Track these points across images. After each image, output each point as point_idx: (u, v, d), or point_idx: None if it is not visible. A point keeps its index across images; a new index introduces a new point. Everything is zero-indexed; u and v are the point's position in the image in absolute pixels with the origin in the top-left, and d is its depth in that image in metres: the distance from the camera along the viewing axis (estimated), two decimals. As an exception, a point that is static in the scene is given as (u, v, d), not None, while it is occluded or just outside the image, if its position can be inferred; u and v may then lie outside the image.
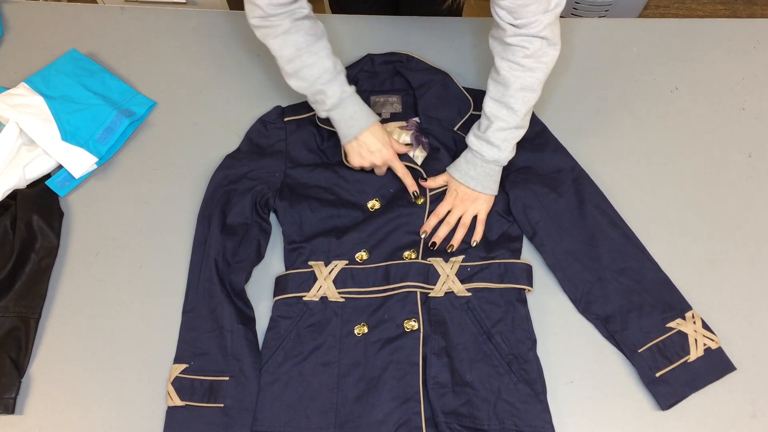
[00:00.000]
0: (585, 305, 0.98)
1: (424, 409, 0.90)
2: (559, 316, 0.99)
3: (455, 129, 1.10)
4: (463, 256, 0.99)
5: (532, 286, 0.99)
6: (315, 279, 0.99)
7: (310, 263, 1.01)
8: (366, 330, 0.96)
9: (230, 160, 1.11)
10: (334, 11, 1.48)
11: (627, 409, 0.92)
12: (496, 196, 1.04)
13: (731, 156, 1.13)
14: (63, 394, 0.95)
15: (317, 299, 0.98)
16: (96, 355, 0.98)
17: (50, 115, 1.13)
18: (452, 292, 0.97)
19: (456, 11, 1.29)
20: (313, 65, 0.98)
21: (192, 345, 0.96)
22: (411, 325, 0.95)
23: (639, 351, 0.94)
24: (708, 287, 1.00)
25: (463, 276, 0.98)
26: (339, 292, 0.98)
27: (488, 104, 0.99)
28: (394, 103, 1.15)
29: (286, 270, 1.02)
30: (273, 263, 1.05)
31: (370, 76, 1.17)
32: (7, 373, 0.94)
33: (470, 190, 1.01)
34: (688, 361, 0.93)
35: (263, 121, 1.14)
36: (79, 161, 1.11)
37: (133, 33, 1.31)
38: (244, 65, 1.25)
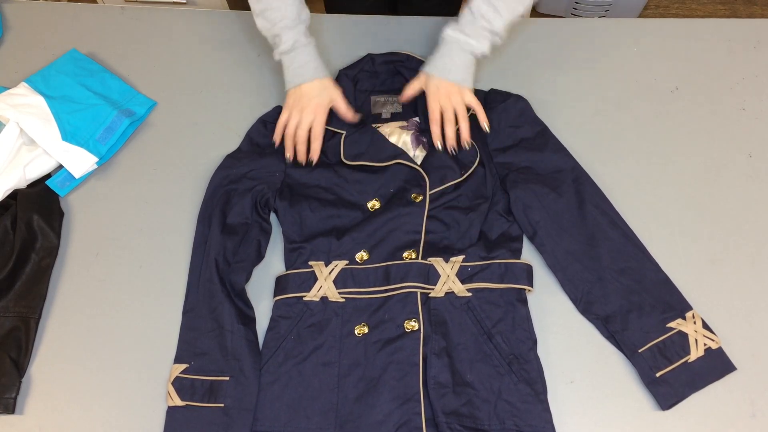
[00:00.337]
0: (585, 305, 0.98)
1: (424, 409, 0.90)
2: (559, 316, 0.99)
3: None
4: (464, 256, 0.99)
5: (532, 286, 0.99)
6: (315, 279, 0.99)
7: (310, 263, 1.01)
8: (366, 330, 0.96)
9: (230, 159, 1.11)
10: (329, 11, 1.47)
11: (627, 409, 0.92)
12: (496, 195, 1.05)
13: (731, 156, 1.13)
14: (63, 394, 0.95)
15: (317, 299, 0.98)
16: (96, 355, 0.98)
17: (50, 115, 1.13)
18: (452, 292, 0.97)
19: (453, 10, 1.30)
20: (278, 8, 1.02)
21: (192, 345, 0.96)
22: (411, 325, 0.95)
23: (639, 351, 0.94)
24: (708, 287, 1.00)
25: (464, 276, 0.98)
26: (339, 293, 0.98)
27: (476, 3, 1.02)
28: (394, 103, 1.15)
29: (287, 270, 1.02)
30: (273, 263, 1.05)
31: (371, 76, 1.17)
32: (7, 373, 0.94)
33: (449, 83, 1.04)
34: (689, 361, 0.93)
35: (264, 121, 1.14)
36: (80, 161, 1.11)
37: (133, 33, 1.31)
38: (244, 65, 1.25)
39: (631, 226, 1.03)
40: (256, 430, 0.91)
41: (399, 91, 1.15)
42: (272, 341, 0.96)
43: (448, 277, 0.98)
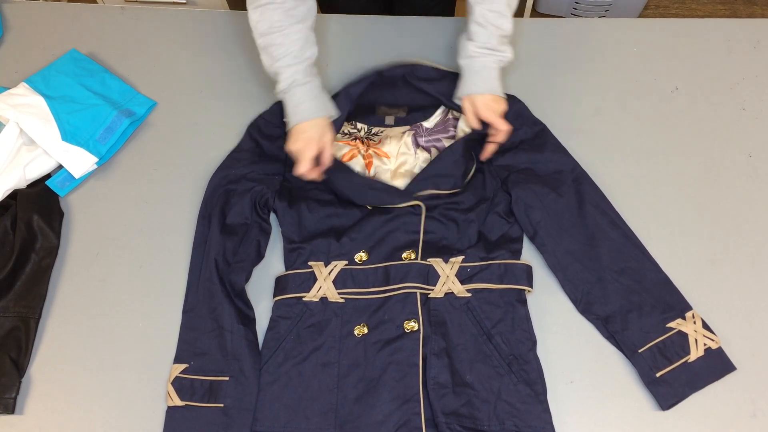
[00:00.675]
0: (585, 305, 0.98)
1: (424, 409, 0.90)
2: (559, 316, 0.99)
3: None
4: (463, 257, 0.99)
5: (532, 287, 0.99)
6: (315, 279, 0.99)
7: (309, 263, 1.01)
8: (366, 331, 0.96)
9: (230, 159, 1.11)
10: (323, 11, 1.46)
11: (627, 409, 0.92)
12: (497, 197, 1.05)
13: (731, 156, 1.13)
14: (63, 394, 0.95)
15: (317, 300, 0.98)
16: (96, 355, 0.98)
17: (50, 115, 1.13)
18: (452, 292, 0.97)
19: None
20: (280, 45, 0.99)
21: (192, 345, 0.96)
22: (411, 325, 0.95)
23: (639, 351, 0.94)
24: (708, 287, 1.00)
25: (463, 277, 0.98)
26: (339, 293, 0.98)
27: (477, 15, 1.01)
28: (400, 112, 1.15)
29: (286, 270, 1.03)
30: (273, 263, 1.05)
31: (381, 90, 1.13)
32: (7, 373, 0.94)
33: (484, 96, 1.04)
34: (689, 361, 0.92)
35: (263, 118, 1.14)
36: (80, 161, 1.11)
37: (133, 33, 1.31)
38: (244, 65, 1.25)
39: (631, 226, 1.03)
40: (256, 431, 0.91)
41: (406, 103, 1.13)
42: (272, 341, 0.96)
43: (448, 278, 0.98)
